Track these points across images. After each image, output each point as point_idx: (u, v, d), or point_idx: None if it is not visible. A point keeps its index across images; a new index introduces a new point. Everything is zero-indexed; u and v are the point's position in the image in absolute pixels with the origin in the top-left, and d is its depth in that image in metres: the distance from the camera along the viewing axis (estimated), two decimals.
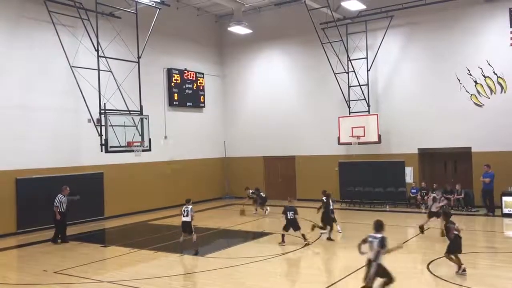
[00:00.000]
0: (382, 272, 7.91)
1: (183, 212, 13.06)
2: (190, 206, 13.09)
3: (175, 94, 22.78)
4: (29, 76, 17.03)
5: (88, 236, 15.92)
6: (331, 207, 14.32)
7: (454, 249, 10.02)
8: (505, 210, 17.09)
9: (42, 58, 17.36)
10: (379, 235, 8.02)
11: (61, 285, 10.37)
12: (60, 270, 11.49)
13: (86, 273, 11.19)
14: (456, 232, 9.96)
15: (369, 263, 7.96)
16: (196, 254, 12.54)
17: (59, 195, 14.91)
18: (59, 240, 14.89)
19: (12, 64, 16.57)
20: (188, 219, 12.91)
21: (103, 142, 15.39)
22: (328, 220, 14.04)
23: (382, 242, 7.91)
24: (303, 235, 13.23)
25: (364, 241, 8.16)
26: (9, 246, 14.84)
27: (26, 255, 13.42)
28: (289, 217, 13.22)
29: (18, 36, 16.79)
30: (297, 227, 13.28)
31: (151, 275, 10.94)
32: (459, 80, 19.38)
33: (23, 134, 16.70)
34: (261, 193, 19.77)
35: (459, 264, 9.99)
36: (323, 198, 14.59)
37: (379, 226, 8.18)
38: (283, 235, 13.36)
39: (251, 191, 19.83)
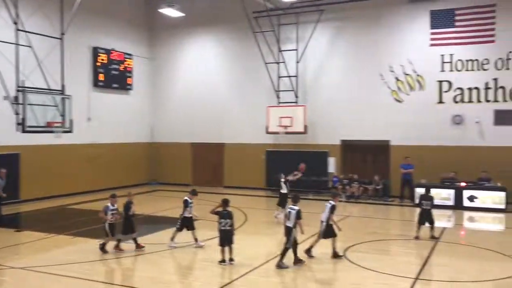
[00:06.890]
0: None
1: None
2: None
3: (101, 75, 21.91)
4: None
5: (1, 220, 14.97)
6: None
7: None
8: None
9: None
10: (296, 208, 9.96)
11: None
12: None
13: None
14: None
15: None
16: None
17: None
18: None
19: None
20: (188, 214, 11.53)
21: (20, 121, 14.52)
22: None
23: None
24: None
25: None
26: None
27: None
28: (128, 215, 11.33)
29: None
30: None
31: (67, 261, 10.52)
32: (381, 76, 20.27)
33: None
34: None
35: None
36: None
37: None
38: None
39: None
